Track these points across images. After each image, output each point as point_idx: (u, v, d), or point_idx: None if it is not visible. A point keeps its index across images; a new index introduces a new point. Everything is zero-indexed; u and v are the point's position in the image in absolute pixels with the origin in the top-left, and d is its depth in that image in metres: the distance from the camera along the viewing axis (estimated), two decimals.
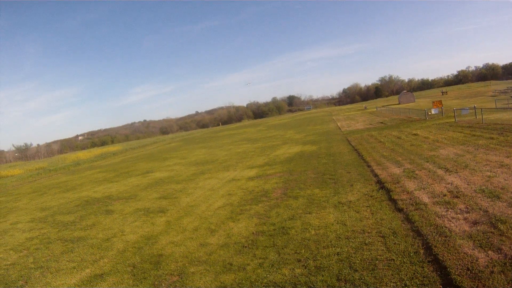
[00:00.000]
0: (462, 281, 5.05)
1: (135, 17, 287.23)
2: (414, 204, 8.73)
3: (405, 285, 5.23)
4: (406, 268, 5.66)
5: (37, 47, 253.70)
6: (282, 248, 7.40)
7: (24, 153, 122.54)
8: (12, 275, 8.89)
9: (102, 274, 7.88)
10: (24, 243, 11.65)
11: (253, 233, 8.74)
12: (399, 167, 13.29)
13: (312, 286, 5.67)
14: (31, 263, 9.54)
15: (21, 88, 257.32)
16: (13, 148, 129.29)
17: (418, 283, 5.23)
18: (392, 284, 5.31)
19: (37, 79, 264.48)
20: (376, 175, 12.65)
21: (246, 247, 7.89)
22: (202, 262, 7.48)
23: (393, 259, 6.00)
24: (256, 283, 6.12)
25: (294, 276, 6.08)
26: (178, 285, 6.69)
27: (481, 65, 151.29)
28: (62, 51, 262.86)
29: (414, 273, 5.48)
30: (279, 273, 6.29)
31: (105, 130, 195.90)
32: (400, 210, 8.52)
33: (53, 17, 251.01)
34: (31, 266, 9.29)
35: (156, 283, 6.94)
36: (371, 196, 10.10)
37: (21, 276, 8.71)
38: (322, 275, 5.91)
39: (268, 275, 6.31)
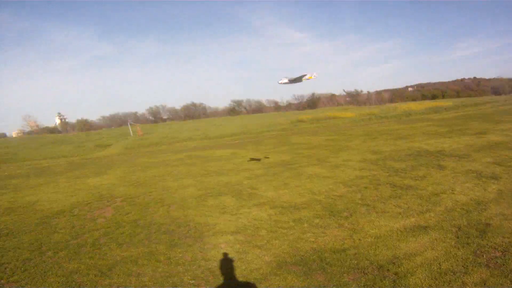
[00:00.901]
0: None
1: None
2: None
3: None
4: None
5: None
6: None
7: (354, 98, 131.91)
8: (338, 206, 9.73)
9: (426, 227, 7.84)
10: (354, 180, 12.56)
11: None
12: None
13: None
14: (358, 199, 10.14)
15: (344, 39, 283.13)
16: (344, 93, 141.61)
17: None
18: None
19: (360, 32, 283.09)
20: None
21: None
22: None
23: None
24: None
25: None
26: (499, 262, 6.01)
27: None
28: None
29: None
30: None
31: (434, 84, 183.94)
32: None
33: None
34: (358, 202, 9.89)
35: (477, 252, 6.47)
36: None
37: (347, 209, 9.42)
38: None
39: None
